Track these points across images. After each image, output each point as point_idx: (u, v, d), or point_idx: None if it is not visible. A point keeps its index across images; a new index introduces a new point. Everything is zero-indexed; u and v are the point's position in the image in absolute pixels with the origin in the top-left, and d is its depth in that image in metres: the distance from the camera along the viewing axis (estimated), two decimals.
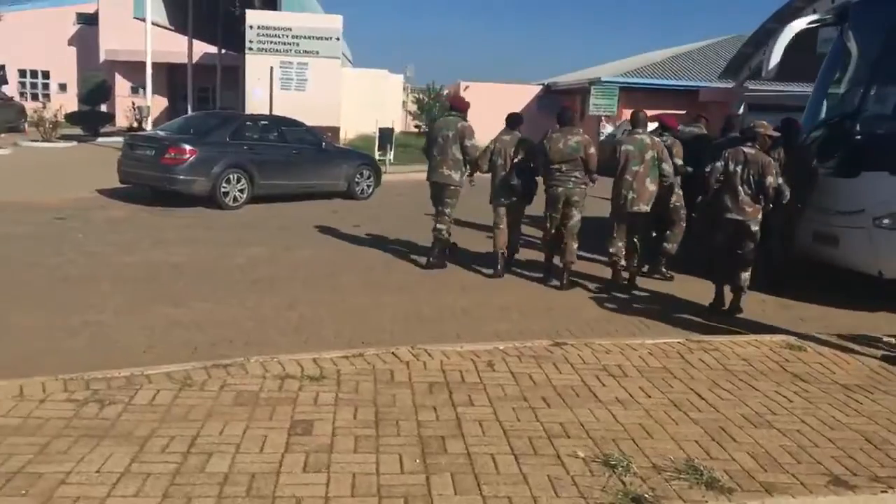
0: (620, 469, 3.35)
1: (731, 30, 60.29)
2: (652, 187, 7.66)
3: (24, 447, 3.41)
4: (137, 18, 21.58)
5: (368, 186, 14.04)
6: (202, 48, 31.39)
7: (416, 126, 32.83)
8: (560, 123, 7.97)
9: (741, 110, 14.90)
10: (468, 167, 8.47)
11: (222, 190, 11.60)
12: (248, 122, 12.75)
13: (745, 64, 26.36)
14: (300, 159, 12.85)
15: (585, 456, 3.47)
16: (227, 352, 5.24)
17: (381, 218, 11.85)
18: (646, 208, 7.65)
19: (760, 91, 21.42)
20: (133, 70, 36.38)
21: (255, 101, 18.20)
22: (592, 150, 7.80)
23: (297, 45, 18.34)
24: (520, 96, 36.02)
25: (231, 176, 11.70)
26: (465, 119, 8.51)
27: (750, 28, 26.35)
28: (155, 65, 21.55)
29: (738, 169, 6.79)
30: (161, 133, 12.58)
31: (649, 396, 4.31)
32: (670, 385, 4.52)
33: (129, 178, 11.99)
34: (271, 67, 17.64)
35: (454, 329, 6.10)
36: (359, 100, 27.47)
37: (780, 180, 6.76)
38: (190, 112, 27.60)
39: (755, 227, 6.82)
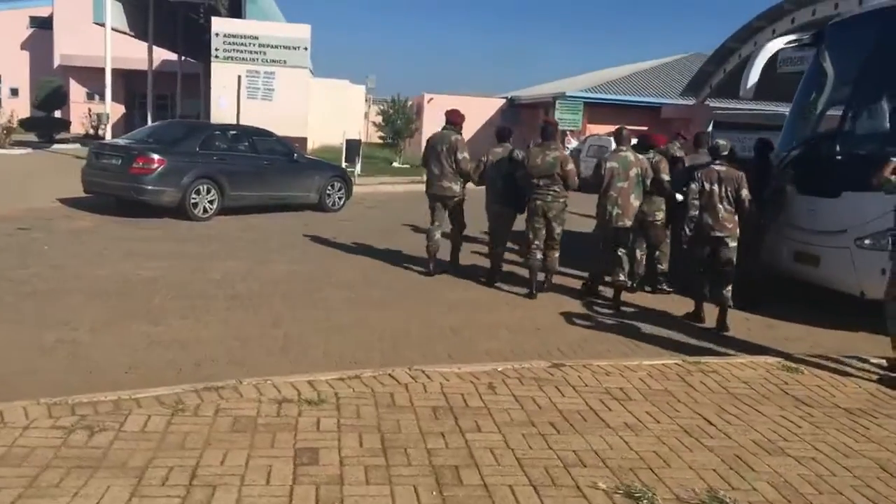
0: (645, 501, 3.25)
1: (688, 48, 61.46)
2: (636, 203, 7.82)
3: (12, 479, 3.17)
4: (97, 23, 21.06)
5: (339, 199, 13.85)
6: (161, 55, 30.85)
7: (381, 138, 32.59)
8: (542, 138, 8.16)
9: (709, 128, 15.08)
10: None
11: (191, 201, 11.31)
12: (218, 132, 12.46)
13: (707, 82, 26.89)
14: (271, 170, 12.61)
15: (607, 487, 3.37)
16: (213, 372, 5.05)
17: (355, 231, 11.66)
18: (629, 223, 7.82)
19: (727, 109, 21.79)
20: (89, 76, 35.66)
21: (221, 110, 17.86)
22: (570, 166, 8.00)
23: (265, 53, 18.07)
24: (484, 109, 36.20)
25: (201, 187, 11.41)
26: (459, 133, 8.72)
27: (706, 47, 26.96)
28: (112, 71, 21.03)
29: (715, 187, 7.01)
30: (128, 142, 12.21)
31: (658, 422, 4.23)
32: (676, 409, 4.45)
33: (93, 187, 11.60)
34: (239, 76, 17.33)
35: (445, 348, 5.97)
36: (321, 110, 27.24)
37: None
38: (150, 120, 27.24)
39: (734, 243, 7.05)
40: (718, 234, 7.03)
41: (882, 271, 6.87)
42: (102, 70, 31.73)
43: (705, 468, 3.63)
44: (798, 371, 5.37)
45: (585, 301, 7.88)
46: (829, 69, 8.67)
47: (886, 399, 4.90)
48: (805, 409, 4.58)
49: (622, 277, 7.81)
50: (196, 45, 32.76)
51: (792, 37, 9.14)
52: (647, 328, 6.89)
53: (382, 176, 20.75)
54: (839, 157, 7.67)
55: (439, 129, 8.97)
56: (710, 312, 7.06)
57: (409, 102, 31.67)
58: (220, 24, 18.38)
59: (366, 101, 42.18)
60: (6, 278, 7.23)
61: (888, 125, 7.61)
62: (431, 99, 35.69)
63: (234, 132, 12.75)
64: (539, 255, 8.05)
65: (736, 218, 7.06)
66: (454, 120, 8.85)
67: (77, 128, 32.22)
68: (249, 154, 12.43)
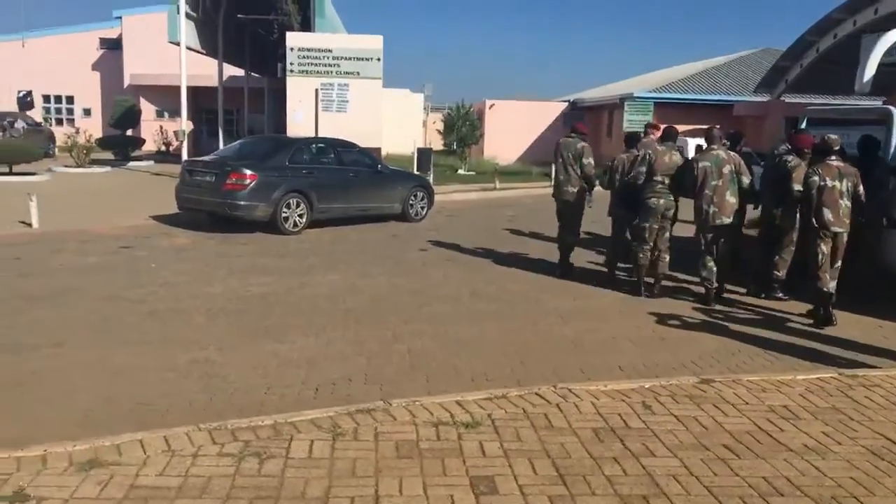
0: None
1: (750, 43, 59.95)
2: (732, 199, 7.80)
3: None
4: (172, 42, 21.46)
5: (423, 208, 13.78)
6: (227, 71, 31.35)
7: (445, 145, 32.58)
8: (664, 139, 8.54)
9: (803, 124, 14.49)
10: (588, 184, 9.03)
11: (283, 215, 11.37)
12: (305, 146, 12.52)
13: (782, 77, 26.09)
14: (357, 182, 12.62)
15: None
16: (351, 392, 4.98)
17: (444, 241, 11.56)
18: (728, 220, 7.79)
19: (818, 105, 21.00)
20: (158, 94, 36.56)
21: (297, 124, 18.01)
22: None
23: (338, 66, 18.15)
24: (546, 113, 35.91)
25: (291, 200, 11.47)
26: (584, 140, 9.08)
27: (768, 42, 26.17)
28: (180, 88, 21.41)
29: (837, 183, 7.06)
30: (219, 158, 12.35)
31: (839, 443, 3.96)
32: (853, 429, 4.17)
33: (187, 204, 11.77)
34: (316, 89, 17.46)
35: (574, 363, 5.78)
36: (385, 120, 27.39)
37: None
38: (220, 135, 27.72)
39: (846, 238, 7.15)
40: (838, 229, 7.05)
41: None
42: (170, 88, 32.66)
43: None
44: None
45: (699, 307, 7.67)
46: None
47: None
48: None
49: (711, 278, 7.85)
50: (261, 61, 33.31)
51: None
52: (773, 335, 6.69)
53: (453, 184, 20.66)
54: None
55: (565, 136, 9.37)
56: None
57: (471, 108, 31.60)
58: (294, 39, 18.55)
59: (424, 109, 42.45)
60: (123, 298, 7.31)
61: None
62: (493, 105, 35.52)
63: (319, 145, 12.80)
64: (647, 254, 8.15)
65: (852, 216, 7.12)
66: (580, 129, 9.30)
67: (150, 145, 32.99)
68: (335, 166, 12.46)
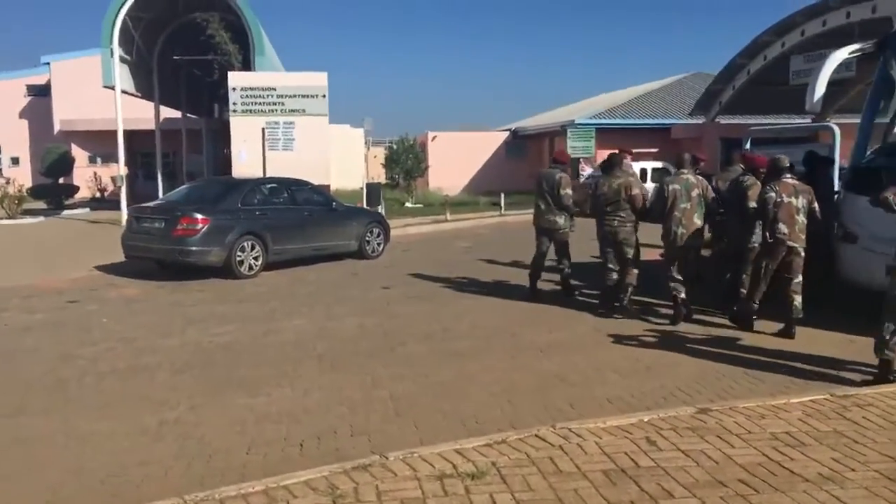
0: None
1: (681, 68, 62.04)
2: (699, 222, 8.10)
3: None
4: (107, 87, 20.87)
5: (379, 245, 13.56)
6: (161, 113, 30.72)
7: (389, 179, 32.46)
8: (608, 167, 8.76)
9: (747, 145, 14.85)
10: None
11: (237, 259, 11.00)
12: (257, 187, 12.18)
13: (716, 100, 26.91)
14: (311, 221, 12.34)
15: None
16: (339, 446, 4.72)
17: (405, 277, 11.36)
18: (695, 242, 8.17)
19: (757, 125, 21.59)
20: (90, 139, 35.61)
21: (242, 164, 17.64)
22: (636, 190, 8.44)
23: (283, 104, 17.88)
24: (488, 143, 36.23)
25: (245, 244, 11.12)
26: (564, 171, 9.37)
27: (697, 66, 26.99)
28: (114, 133, 20.80)
29: (793, 199, 7.33)
30: (167, 203, 11.92)
31: (853, 470, 3.88)
32: (861, 453, 4.10)
33: (134, 252, 11.30)
34: (263, 129, 17.15)
35: (561, 398, 5.63)
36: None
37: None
38: (160, 179, 27.02)
39: (803, 253, 7.42)
40: (794, 244, 7.31)
41: None
42: (103, 133, 31.86)
43: None
44: None
45: (672, 331, 7.71)
46: None
47: None
48: None
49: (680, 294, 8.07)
50: (198, 102, 32.77)
51: (855, 46, 8.93)
52: (749, 356, 6.72)
53: (403, 218, 20.48)
54: None
55: (548, 168, 9.80)
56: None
57: (415, 141, 31.64)
58: (237, 79, 18.22)
59: (365, 143, 42.32)
60: (78, 356, 6.88)
61: None
62: (435, 137, 35.64)
63: (272, 185, 12.47)
64: (614, 276, 8.45)
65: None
66: (560, 159, 9.62)
67: (84, 192, 31.95)
68: (289, 206, 12.18)
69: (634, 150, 12.95)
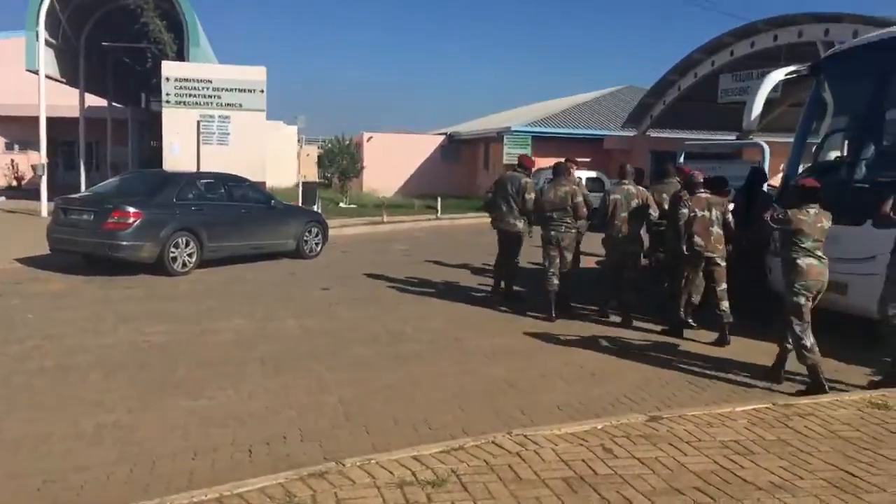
0: None
1: (612, 81, 63.25)
2: (637, 231, 8.63)
3: None
4: (30, 71, 19.91)
5: (317, 245, 13.33)
6: (85, 101, 29.56)
7: (324, 178, 32.04)
8: (554, 175, 9.03)
9: (681, 159, 15.27)
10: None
11: (170, 255, 10.62)
12: (194, 181, 11.79)
13: (647, 113, 27.61)
14: (249, 219, 12.03)
15: None
16: (291, 451, 4.59)
17: (344, 278, 11.22)
18: (635, 249, 8.70)
19: (693, 139, 22.21)
20: (7, 125, 33.89)
21: (174, 157, 17.09)
22: (580, 198, 8.73)
23: (219, 97, 17.41)
24: (423, 146, 36.18)
25: (180, 240, 10.74)
26: (528, 175, 9.50)
27: (634, 80, 27.71)
28: (34, 119, 19.84)
29: (706, 213, 7.75)
30: (99, 195, 11.42)
31: (801, 478, 3.98)
32: (807, 462, 4.22)
33: (60, 245, 10.78)
34: (198, 122, 16.65)
35: (512, 404, 5.63)
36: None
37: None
38: (83, 169, 25.97)
39: (723, 263, 7.79)
40: (711, 254, 7.71)
41: None
42: (21, 119, 30.38)
43: None
44: (886, 406, 5.26)
45: (614, 338, 7.86)
46: (829, 98, 8.82)
47: None
48: None
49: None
50: (124, 91, 31.66)
51: (791, 68, 9.26)
52: (689, 364, 6.89)
53: (340, 218, 20.23)
54: (860, 185, 7.74)
55: (512, 170, 9.88)
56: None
57: (351, 141, 31.35)
58: (171, 69, 17.62)
59: (298, 141, 41.68)
60: (2, 354, 6.50)
61: None
62: (371, 137, 35.37)
63: (209, 180, 12.07)
64: (556, 281, 8.65)
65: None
66: (525, 164, 9.69)
67: None
68: (226, 202, 11.83)
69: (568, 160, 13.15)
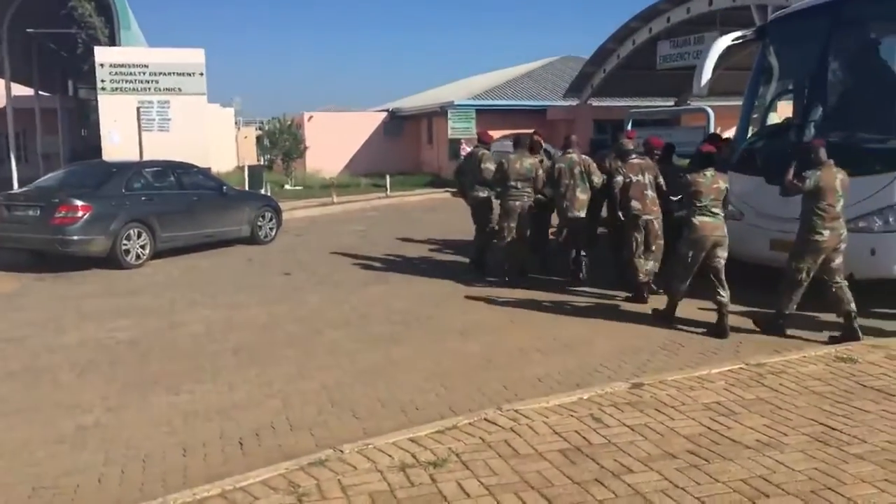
0: None
1: (550, 51, 63.24)
2: (583, 196, 8.84)
3: None
4: None
5: (271, 229, 13.14)
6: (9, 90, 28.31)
7: (266, 161, 31.53)
8: (516, 147, 9.41)
9: (628, 126, 15.53)
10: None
11: (123, 247, 10.34)
12: (142, 170, 11.45)
13: (588, 82, 27.83)
14: (201, 206, 11.76)
15: None
16: (283, 442, 4.57)
17: (303, 262, 11.12)
18: (580, 214, 8.85)
19: (634, 107, 22.50)
20: None
21: (114, 145, 16.54)
22: (541, 171, 9.09)
23: (157, 82, 16.85)
24: (366, 123, 35.79)
25: (131, 231, 10.46)
26: (487, 148, 9.83)
27: (572, 50, 27.80)
28: None
29: (640, 177, 8.06)
30: (44, 189, 10.99)
31: (785, 434, 4.16)
32: (787, 419, 4.41)
33: (6, 242, 10.38)
34: (137, 108, 16.11)
35: (493, 380, 5.68)
36: None
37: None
38: (13, 160, 24.98)
39: (659, 223, 8.12)
40: (648, 216, 8.02)
41: (872, 251, 7.25)
42: None
43: (879, 480, 3.58)
44: (852, 360, 5.50)
45: (582, 308, 7.99)
46: (774, 62, 9.03)
47: None
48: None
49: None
50: (51, 78, 30.46)
51: (738, 33, 9.41)
52: (653, 331, 7.02)
53: (289, 201, 19.93)
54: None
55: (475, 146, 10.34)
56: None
57: (292, 122, 30.85)
58: (104, 54, 16.95)
59: (235, 123, 40.78)
60: None
61: (853, 112, 8.04)
62: (312, 117, 34.82)
63: (157, 169, 11.73)
64: (513, 248, 9.10)
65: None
66: (484, 139, 10.06)
67: None
68: (177, 191, 11.54)
69: (514, 132, 13.14)
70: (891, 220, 7.03)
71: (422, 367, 6.00)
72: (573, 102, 28.63)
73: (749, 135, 9.12)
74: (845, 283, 6.49)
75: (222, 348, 6.61)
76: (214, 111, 35.17)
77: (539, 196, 9.19)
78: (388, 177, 24.22)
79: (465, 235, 13.65)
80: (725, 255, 6.90)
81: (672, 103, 27.21)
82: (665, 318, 7.18)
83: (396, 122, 35.83)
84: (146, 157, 15.34)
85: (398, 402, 5.23)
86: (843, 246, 6.43)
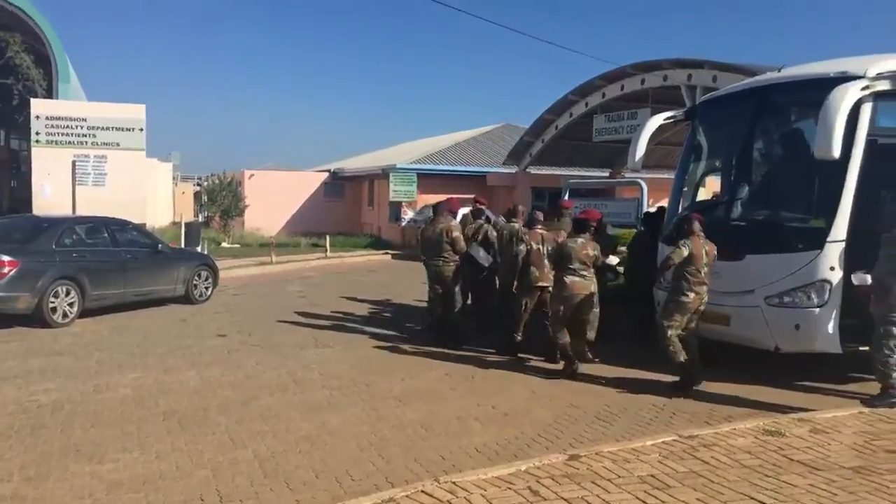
0: None
1: (489, 120, 64.69)
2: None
3: None
4: None
5: (207, 288, 12.89)
6: None
7: (204, 217, 31.07)
8: (434, 214, 9.89)
9: (565, 195, 15.96)
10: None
11: (50, 305, 9.99)
12: (73, 226, 11.15)
13: (527, 151, 28.56)
14: (134, 264, 11.49)
15: None
16: None
17: (240, 323, 10.90)
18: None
19: (570, 175, 23.09)
20: None
21: (45, 199, 16.14)
22: (456, 234, 9.43)
23: (95, 136, 16.64)
24: (307, 183, 35.82)
25: (60, 289, 10.14)
26: (454, 218, 9.93)
27: (511, 118, 28.45)
28: None
29: (541, 246, 8.60)
30: None
31: None
32: (719, 493, 4.47)
33: None
34: (73, 162, 15.81)
35: (430, 449, 5.64)
36: None
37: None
38: None
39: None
40: (544, 284, 8.50)
41: (796, 326, 7.53)
42: None
43: None
44: (780, 433, 5.65)
45: (518, 376, 8.02)
46: (703, 141, 9.48)
47: (871, 451, 5.27)
48: (822, 475, 4.78)
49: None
50: None
51: (669, 113, 9.87)
52: (591, 401, 7.05)
53: (225, 259, 19.65)
54: (737, 223, 8.34)
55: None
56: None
57: (232, 179, 30.64)
58: (41, 106, 16.69)
59: (173, 179, 40.25)
60: None
61: (776, 191, 8.45)
62: (252, 175, 34.69)
63: (90, 225, 11.46)
64: (440, 311, 9.50)
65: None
66: (451, 207, 9.96)
67: None
68: (110, 248, 11.27)
69: (455, 196, 13.32)
70: (813, 296, 7.32)
71: (358, 436, 5.91)
72: (512, 169, 29.27)
73: (680, 210, 9.47)
74: (696, 340, 7.42)
75: (151, 414, 6.39)
76: (152, 165, 34.81)
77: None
78: (328, 237, 24.14)
79: (404, 298, 13.72)
80: (595, 310, 8.18)
81: (607, 174, 28.15)
82: (567, 358, 7.94)
83: (338, 183, 35.97)
84: (79, 212, 15.02)
85: (333, 472, 5.13)
86: (702, 308, 7.34)
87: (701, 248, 7.23)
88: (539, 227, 8.77)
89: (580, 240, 7.93)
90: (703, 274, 7.21)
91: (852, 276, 6.93)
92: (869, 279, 6.67)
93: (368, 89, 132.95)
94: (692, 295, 7.21)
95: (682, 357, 7.26)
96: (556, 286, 7.99)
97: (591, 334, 8.40)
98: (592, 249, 7.94)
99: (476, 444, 5.80)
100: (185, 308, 12.15)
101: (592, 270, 7.97)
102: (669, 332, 7.23)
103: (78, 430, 5.90)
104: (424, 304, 10.88)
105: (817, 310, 7.32)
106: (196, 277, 12.62)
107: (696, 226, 7.35)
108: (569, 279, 7.80)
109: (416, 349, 9.19)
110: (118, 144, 16.85)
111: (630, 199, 15.74)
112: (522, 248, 8.64)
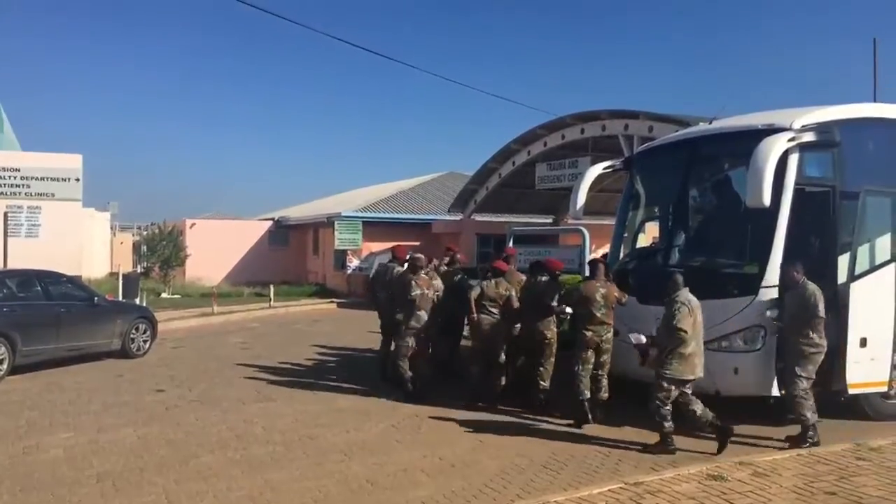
0: None
1: (435, 167, 65.43)
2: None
3: None
4: None
5: (145, 342, 12.55)
6: None
7: (143, 268, 30.37)
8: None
9: (510, 242, 16.08)
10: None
11: None
12: (4, 279, 10.77)
13: (472, 198, 28.88)
14: (69, 318, 11.13)
15: None
16: None
17: (179, 378, 10.61)
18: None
19: (514, 222, 23.34)
20: None
21: None
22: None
23: (28, 186, 16.22)
24: (250, 232, 35.43)
25: None
26: (401, 265, 10.06)
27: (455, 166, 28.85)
28: None
29: (427, 292, 9.20)
30: None
31: None
32: None
33: None
34: (5, 213, 15.34)
35: (376, 503, 5.54)
36: None
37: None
38: None
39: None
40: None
41: (735, 370, 7.70)
42: None
43: None
44: (723, 478, 5.72)
45: (465, 426, 7.93)
46: (641, 190, 9.73)
47: (810, 494, 5.38)
48: None
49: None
50: None
51: (608, 163, 10.14)
52: (539, 449, 7.05)
53: (166, 310, 19.20)
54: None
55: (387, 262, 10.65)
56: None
57: (173, 228, 30.14)
58: None
59: (111, 229, 39.37)
60: None
61: (711, 238, 8.72)
62: (194, 224, 34.18)
63: (20, 278, 11.10)
64: (403, 364, 9.27)
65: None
66: (397, 254, 10.36)
67: None
68: (42, 301, 10.90)
69: (400, 244, 13.29)
70: (750, 340, 7.51)
71: (302, 492, 5.78)
72: (457, 217, 29.51)
73: (620, 256, 9.67)
74: (605, 378, 8.04)
75: (84, 476, 6.13)
76: (90, 215, 34.03)
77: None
78: (272, 286, 23.83)
79: (349, 347, 13.57)
80: (501, 345, 8.69)
81: (550, 219, 28.61)
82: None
83: (282, 232, 35.69)
84: (11, 265, 14.54)
85: None
86: (605, 346, 7.97)
87: (596, 289, 7.94)
88: (423, 272, 9.28)
89: (493, 282, 8.66)
90: (598, 315, 7.88)
91: (630, 335, 7.50)
92: (643, 338, 7.28)
93: (312, 137, 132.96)
94: (589, 333, 7.89)
95: (587, 394, 7.88)
96: (470, 324, 8.81)
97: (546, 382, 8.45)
98: (504, 290, 8.65)
99: (422, 496, 5.73)
100: (122, 363, 11.78)
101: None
102: (576, 367, 7.90)
103: (5, 496, 5.62)
104: (371, 354, 10.79)
105: (753, 354, 7.51)
106: (134, 331, 12.28)
107: (599, 269, 8.18)
108: (480, 316, 8.61)
109: (361, 400, 9.07)
110: (53, 195, 16.45)
111: (573, 247, 15.94)
112: (417, 293, 9.02)
